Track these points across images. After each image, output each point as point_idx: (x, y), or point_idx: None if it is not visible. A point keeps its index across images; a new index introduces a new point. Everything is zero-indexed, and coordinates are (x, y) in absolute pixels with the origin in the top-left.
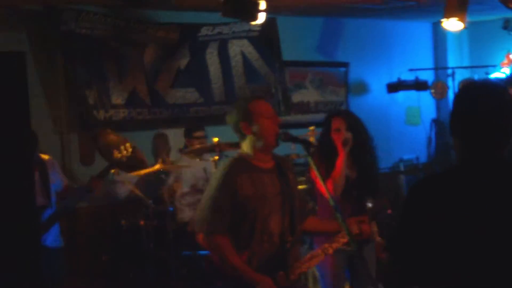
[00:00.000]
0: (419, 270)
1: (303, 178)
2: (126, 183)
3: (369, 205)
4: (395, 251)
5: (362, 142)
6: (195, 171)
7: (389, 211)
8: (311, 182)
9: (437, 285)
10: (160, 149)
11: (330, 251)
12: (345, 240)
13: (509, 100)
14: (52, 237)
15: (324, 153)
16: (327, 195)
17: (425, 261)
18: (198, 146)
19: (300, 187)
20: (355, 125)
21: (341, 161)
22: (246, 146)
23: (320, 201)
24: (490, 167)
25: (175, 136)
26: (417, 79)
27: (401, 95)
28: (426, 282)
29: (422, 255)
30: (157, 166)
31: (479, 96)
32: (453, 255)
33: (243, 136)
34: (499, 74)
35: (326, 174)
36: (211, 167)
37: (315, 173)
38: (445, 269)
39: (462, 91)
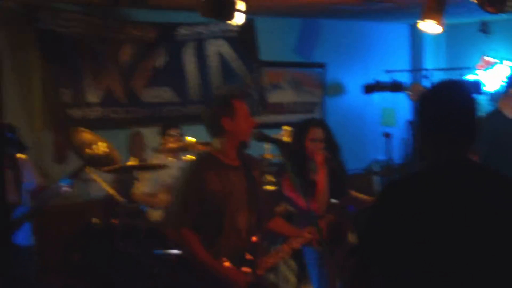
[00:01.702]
0: (389, 272)
1: (276, 178)
2: (99, 181)
3: (333, 200)
4: (364, 254)
5: (333, 153)
6: (169, 170)
7: (352, 207)
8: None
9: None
10: (135, 148)
11: (296, 246)
12: (310, 236)
13: (475, 103)
14: (23, 235)
15: (296, 162)
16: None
17: (395, 264)
18: (173, 144)
19: (273, 187)
20: (330, 136)
21: (322, 180)
22: (219, 142)
23: (295, 206)
24: (460, 167)
25: (150, 135)
26: (393, 80)
27: (377, 96)
28: (396, 284)
29: (393, 258)
30: (130, 162)
31: (449, 98)
32: (424, 258)
33: (219, 132)
34: (474, 76)
35: (303, 187)
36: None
37: (290, 187)
38: (418, 271)
39: (431, 94)
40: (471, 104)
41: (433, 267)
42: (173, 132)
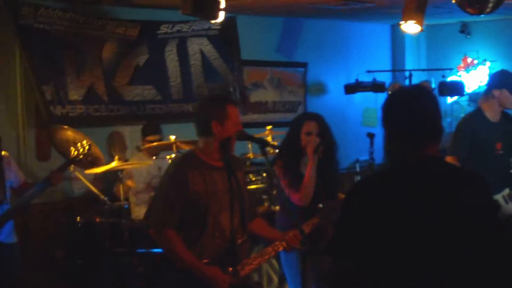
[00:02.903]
0: (360, 271)
1: (259, 177)
2: (82, 179)
3: (320, 205)
4: (334, 253)
5: (328, 148)
6: (150, 169)
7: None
8: (271, 180)
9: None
10: (114, 147)
11: (280, 248)
12: (294, 239)
13: (437, 103)
14: (6, 233)
15: (290, 155)
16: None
17: (366, 263)
18: (154, 144)
19: (255, 186)
20: (325, 131)
21: (310, 169)
22: (204, 142)
23: (281, 200)
24: (424, 164)
25: (132, 133)
26: (374, 80)
27: (358, 96)
28: (368, 283)
29: (362, 257)
30: (114, 164)
31: (416, 98)
32: (393, 256)
33: (206, 132)
34: (456, 77)
35: (291, 177)
36: (166, 165)
37: (281, 175)
38: (387, 270)
39: (395, 95)
40: (434, 105)
41: (402, 261)
42: (150, 138)
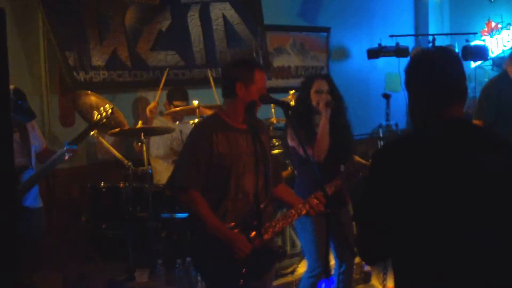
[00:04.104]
0: (388, 239)
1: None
2: (106, 144)
3: (342, 167)
4: (362, 220)
5: (339, 106)
6: (172, 133)
7: (360, 174)
8: (287, 146)
9: (408, 253)
10: (140, 112)
11: (303, 211)
12: (318, 201)
13: (461, 63)
14: (32, 198)
15: (301, 114)
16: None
17: (393, 229)
18: (178, 109)
19: (278, 151)
20: (335, 89)
21: (324, 124)
22: (229, 104)
23: (300, 167)
24: (452, 126)
25: (154, 98)
26: (397, 45)
27: (381, 61)
28: (397, 250)
29: (390, 223)
30: (138, 126)
31: (438, 59)
32: (420, 220)
33: (230, 94)
34: (479, 41)
35: (305, 137)
36: (188, 130)
37: (292, 138)
38: (415, 234)
39: (419, 56)
40: (456, 64)
41: (428, 225)
42: (178, 103)
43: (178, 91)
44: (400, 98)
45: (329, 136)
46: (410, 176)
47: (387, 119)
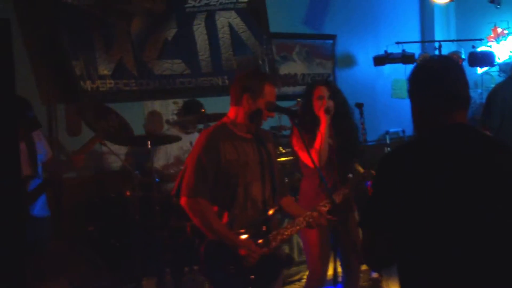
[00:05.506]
0: (394, 245)
1: (289, 150)
2: (113, 154)
3: (350, 175)
4: (369, 227)
5: (343, 111)
6: (181, 144)
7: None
8: (294, 152)
9: (414, 258)
10: (153, 126)
11: (311, 220)
12: (326, 209)
13: (463, 70)
14: (39, 207)
15: (306, 122)
16: (311, 164)
17: (399, 235)
18: (185, 119)
19: (285, 158)
20: (337, 94)
21: (323, 129)
22: (235, 113)
23: (305, 171)
24: (456, 132)
25: (161, 107)
26: (403, 52)
27: (387, 68)
28: (402, 256)
29: (395, 229)
30: (143, 135)
31: (440, 67)
32: (426, 225)
33: (237, 103)
34: (486, 47)
35: (309, 143)
36: None
37: (296, 142)
38: (421, 240)
39: (422, 65)
40: (458, 71)
41: (434, 230)
42: (192, 119)
43: (194, 104)
44: (407, 104)
45: (333, 142)
46: (415, 182)
47: (363, 129)
